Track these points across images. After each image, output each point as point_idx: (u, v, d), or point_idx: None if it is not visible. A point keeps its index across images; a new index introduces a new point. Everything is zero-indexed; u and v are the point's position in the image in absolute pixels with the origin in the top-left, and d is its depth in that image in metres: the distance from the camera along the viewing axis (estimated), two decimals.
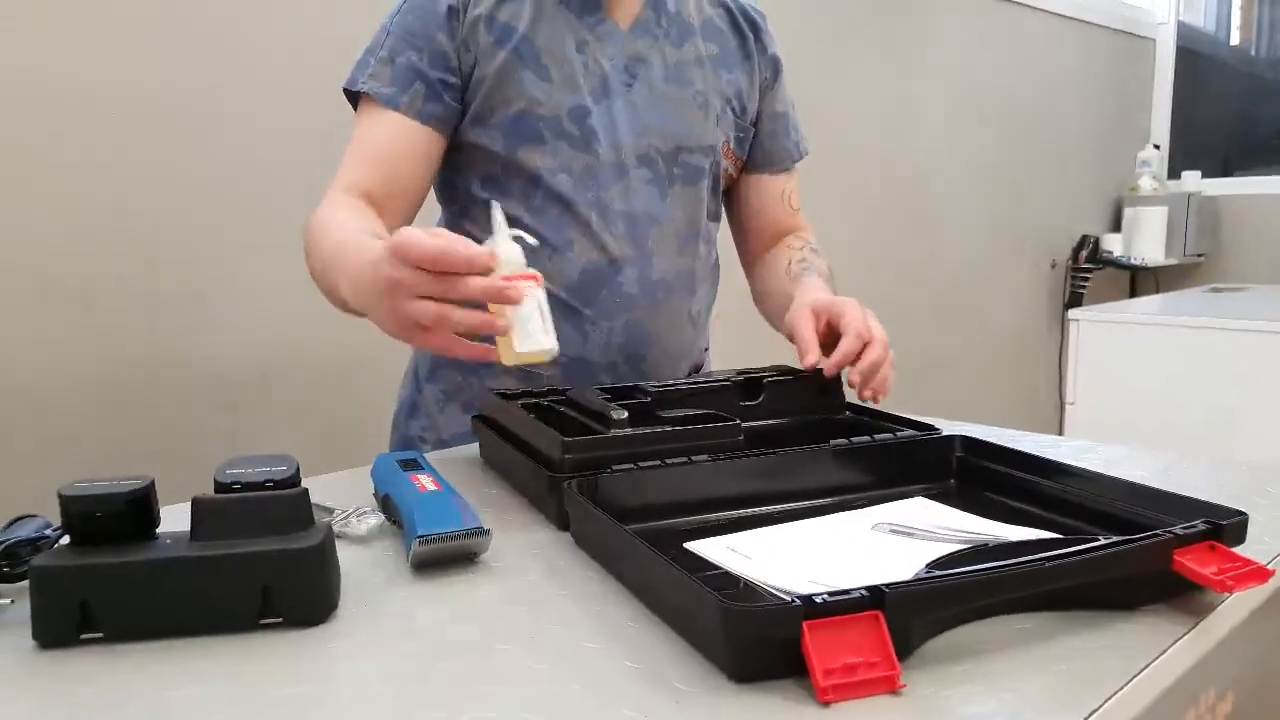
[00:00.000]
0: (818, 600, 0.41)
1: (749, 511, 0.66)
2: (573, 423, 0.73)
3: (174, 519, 0.52)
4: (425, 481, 0.64)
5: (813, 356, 0.84)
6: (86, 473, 1.28)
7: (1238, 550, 0.51)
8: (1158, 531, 0.50)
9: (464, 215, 0.98)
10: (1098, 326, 2.14)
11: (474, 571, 0.58)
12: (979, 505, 0.66)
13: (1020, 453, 0.69)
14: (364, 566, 0.59)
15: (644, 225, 0.95)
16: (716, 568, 0.55)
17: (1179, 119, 3.49)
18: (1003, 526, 0.61)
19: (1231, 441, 1.95)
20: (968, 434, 0.75)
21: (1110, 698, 0.42)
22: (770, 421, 0.83)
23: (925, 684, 0.43)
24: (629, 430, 0.68)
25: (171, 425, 1.32)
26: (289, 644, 0.49)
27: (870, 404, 0.84)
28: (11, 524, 0.56)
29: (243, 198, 1.37)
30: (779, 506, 0.66)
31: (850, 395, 0.86)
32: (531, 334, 0.65)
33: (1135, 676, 0.44)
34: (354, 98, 0.93)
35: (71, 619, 0.48)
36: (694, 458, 0.66)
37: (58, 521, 0.52)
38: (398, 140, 0.90)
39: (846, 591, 0.42)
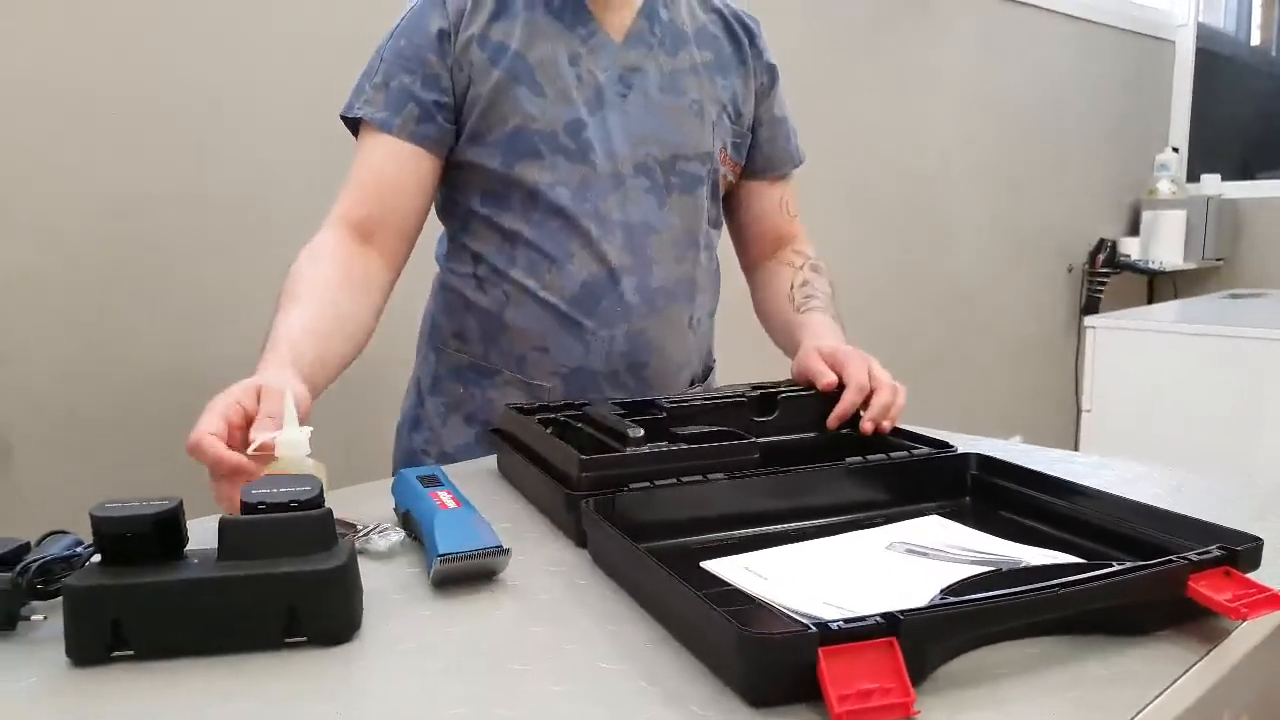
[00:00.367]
0: (833, 627, 0.42)
1: (764, 530, 0.66)
2: (589, 439, 0.74)
3: (197, 532, 0.53)
4: (445, 499, 0.65)
5: (830, 378, 0.87)
6: (102, 479, 1.30)
7: (1252, 576, 0.51)
8: (1172, 558, 0.50)
9: (465, 231, 0.99)
10: (1115, 334, 2.13)
11: (494, 589, 0.59)
12: (993, 524, 0.66)
13: (1035, 472, 0.69)
14: (386, 583, 0.60)
15: (642, 234, 0.96)
16: (732, 587, 0.56)
17: (1198, 121, 3.46)
18: (1017, 547, 0.61)
19: (1252, 452, 1.93)
20: (983, 452, 0.75)
21: None
22: (784, 437, 0.83)
23: (939, 710, 0.43)
24: (646, 448, 0.69)
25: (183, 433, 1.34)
26: (314, 663, 0.50)
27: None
28: (43, 540, 0.58)
29: (255, 203, 1.39)
30: (794, 525, 0.67)
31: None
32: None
33: (1149, 704, 0.44)
34: (353, 125, 0.95)
35: (103, 638, 0.49)
36: (710, 476, 0.66)
37: (87, 536, 0.54)
38: (392, 165, 0.92)
39: (862, 618, 0.42)
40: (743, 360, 1.11)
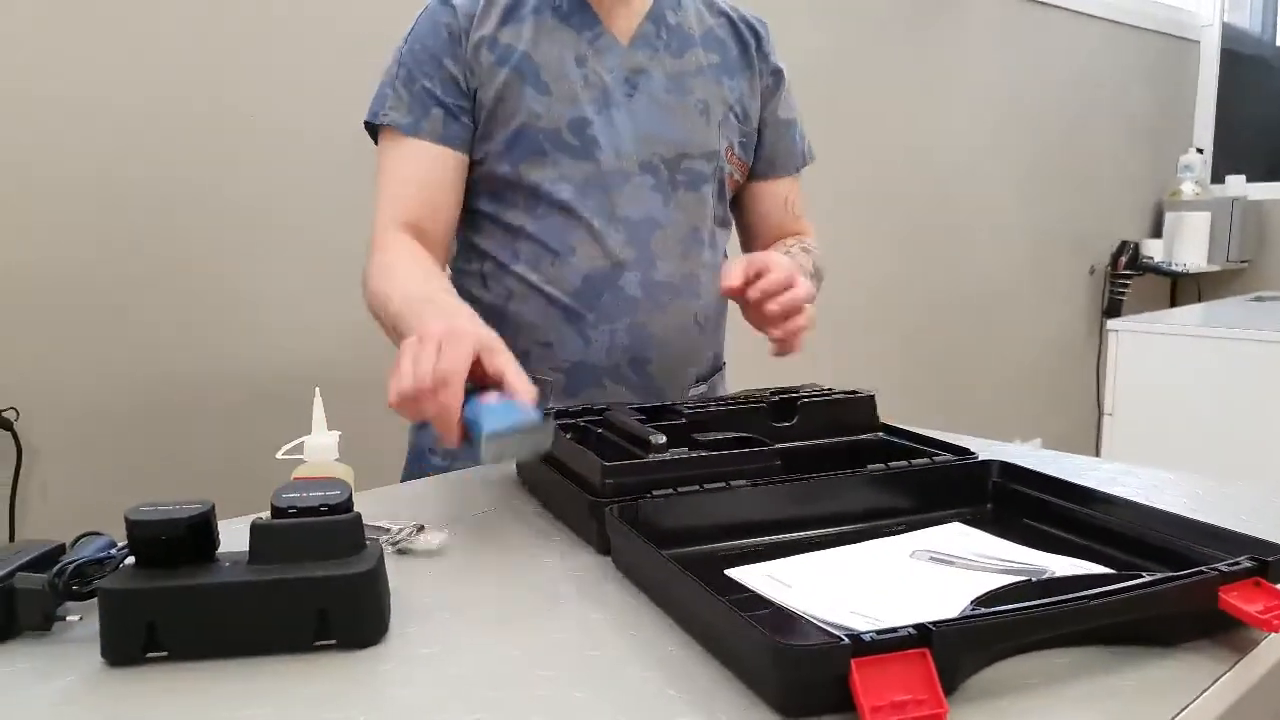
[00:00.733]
0: (866, 638, 0.42)
1: (787, 536, 0.66)
2: (611, 446, 0.74)
3: (226, 533, 0.54)
4: (490, 397, 0.67)
5: (731, 281, 0.83)
6: (127, 480, 1.31)
7: None
8: (1203, 569, 0.50)
9: (471, 229, 1.00)
10: (1138, 337, 2.11)
11: (519, 594, 0.59)
12: (1015, 531, 0.66)
13: (1058, 479, 0.69)
14: (418, 583, 0.60)
15: (646, 229, 0.96)
16: (757, 594, 0.56)
17: (1223, 122, 3.42)
18: (1041, 555, 0.61)
19: (1277, 459, 1.91)
20: (1004, 458, 0.75)
21: None
22: (804, 443, 0.83)
23: None
24: (668, 455, 0.69)
25: (211, 436, 1.35)
26: (343, 666, 0.50)
27: (785, 353, 0.86)
28: (78, 541, 0.59)
29: (275, 204, 1.40)
30: (817, 532, 0.67)
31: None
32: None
33: (1178, 715, 0.44)
34: (374, 131, 0.96)
35: (138, 639, 0.50)
36: (732, 483, 0.67)
37: (115, 534, 0.54)
38: (428, 167, 0.93)
39: (894, 629, 0.43)
40: (754, 362, 1.10)
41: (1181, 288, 3.34)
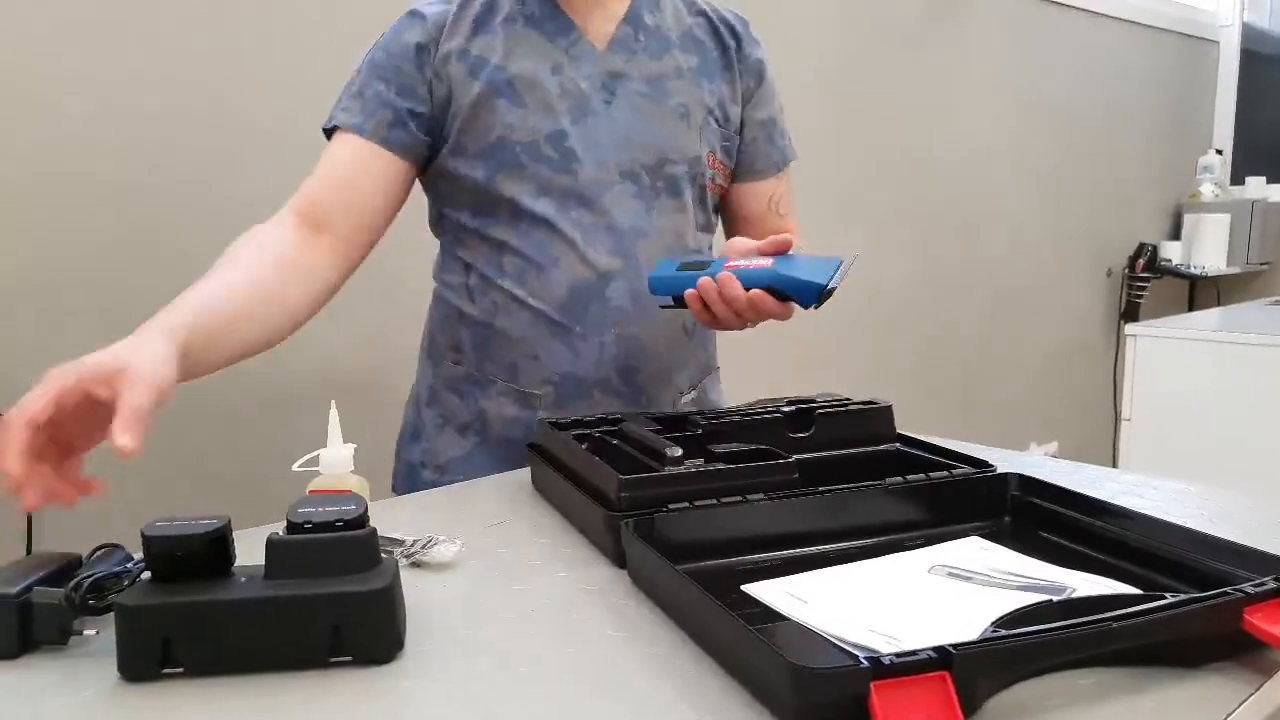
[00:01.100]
0: (885, 660, 0.41)
1: (803, 550, 0.66)
2: (626, 458, 0.74)
3: (241, 544, 0.54)
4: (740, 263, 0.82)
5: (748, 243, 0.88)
6: (142, 489, 1.31)
7: None
8: (1227, 590, 0.49)
9: (455, 243, 1.00)
10: (1156, 342, 2.08)
11: (535, 608, 0.59)
12: (1033, 545, 0.65)
13: (1076, 494, 0.68)
14: (432, 597, 0.60)
15: (631, 238, 0.96)
16: (773, 610, 0.55)
17: (1242, 123, 3.38)
18: (1060, 571, 0.60)
19: None
20: (1022, 470, 0.74)
21: None
22: (821, 454, 0.83)
23: None
24: (684, 467, 0.68)
25: (224, 443, 1.36)
26: (359, 682, 0.50)
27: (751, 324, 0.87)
28: (94, 554, 0.59)
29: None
30: (834, 545, 0.66)
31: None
32: None
33: None
34: (329, 135, 0.95)
35: (155, 655, 0.50)
36: (749, 497, 0.66)
37: (134, 547, 0.54)
38: (352, 161, 0.92)
39: (914, 651, 0.42)
40: (755, 363, 1.09)
41: (1200, 290, 3.30)
